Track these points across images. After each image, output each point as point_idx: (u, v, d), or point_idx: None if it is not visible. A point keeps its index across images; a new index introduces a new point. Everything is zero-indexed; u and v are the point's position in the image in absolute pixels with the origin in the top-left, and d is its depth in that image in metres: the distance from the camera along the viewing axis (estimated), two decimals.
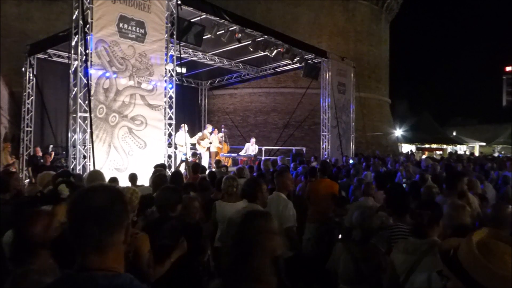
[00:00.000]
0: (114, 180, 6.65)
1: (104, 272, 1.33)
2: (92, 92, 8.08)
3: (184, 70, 15.89)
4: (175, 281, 3.15)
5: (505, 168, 10.61)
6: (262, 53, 14.38)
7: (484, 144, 42.32)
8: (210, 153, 14.40)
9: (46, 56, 13.58)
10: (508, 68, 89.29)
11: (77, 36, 8.37)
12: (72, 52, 8.59)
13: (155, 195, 3.81)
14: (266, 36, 13.29)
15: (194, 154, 12.85)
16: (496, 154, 34.36)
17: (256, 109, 23.31)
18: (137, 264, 2.76)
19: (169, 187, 3.98)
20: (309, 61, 16.11)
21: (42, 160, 11.57)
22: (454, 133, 43.53)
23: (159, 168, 6.97)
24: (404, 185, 6.83)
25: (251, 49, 13.78)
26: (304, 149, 18.17)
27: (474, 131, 48.32)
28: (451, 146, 38.01)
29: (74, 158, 8.38)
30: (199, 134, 14.65)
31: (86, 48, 8.14)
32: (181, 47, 10.61)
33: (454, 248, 1.39)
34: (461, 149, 40.13)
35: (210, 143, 14.45)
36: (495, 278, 1.23)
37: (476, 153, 36.50)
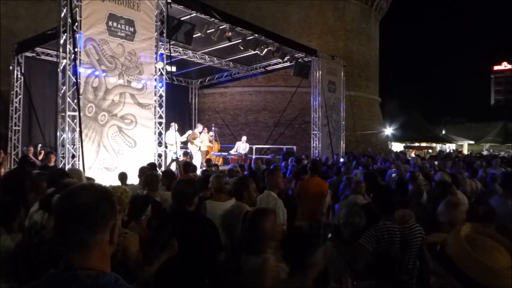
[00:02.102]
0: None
1: (88, 272, 1.31)
2: (81, 91, 8.01)
3: (174, 68, 15.78)
4: (165, 280, 3.12)
5: (492, 166, 10.70)
6: (253, 52, 14.35)
7: (472, 142, 42.78)
8: (201, 152, 14.36)
9: (34, 55, 13.41)
10: (496, 67, 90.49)
11: (65, 34, 8.28)
12: (61, 50, 8.50)
13: (172, 190, 3.70)
14: (256, 35, 13.28)
15: (186, 153, 12.80)
16: (485, 152, 34.74)
17: (247, 107, 23.29)
18: (125, 264, 2.74)
19: (184, 180, 3.91)
20: (299, 60, 16.13)
21: (32, 160, 11.36)
22: (443, 132, 43.89)
23: (147, 167, 6.90)
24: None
25: (242, 48, 13.77)
26: (294, 147, 18.21)
27: (463, 129, 48.85)
28: (440, 145, 38.37)
29: (63, 158, 8.30)
30: (189, 132, 14.59)
31: (74, 46, 8.06)
32: (171, 46, 10.57)
33: (440, 243, 1.39)
34: (450, 147, 40.51)
35: (201, 142, 14.42)
36: (489, 273, 1.23)
37: (465, 151, 36.92)
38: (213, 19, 11.47)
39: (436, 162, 11.22)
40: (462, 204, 3.50)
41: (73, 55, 8.07)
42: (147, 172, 5.96)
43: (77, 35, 8.06)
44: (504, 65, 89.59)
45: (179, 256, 3.06)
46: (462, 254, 1.28)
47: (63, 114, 8.28)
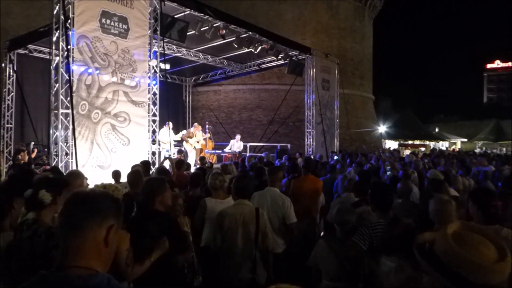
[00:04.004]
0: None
1: (80, 271, 1.32)
2: (74, 88, 7.96)
3: (168, 66, 15.76)
4: (158, 279, 3.11)
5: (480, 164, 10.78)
6: (247, 50, 14.35)
7: (465, 140, 43.02)
8: (195, 150, 14.35)
9: (27, 52, 13.33)
10: (489, 66, 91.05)
11: (58, 31, 8.22)
12: (53, 47, 8.44)
13: (142, 188, 3.66)
14: (250, 33, 13.26)
15: (180, 151, 12.78)
16: (477, 150, 34.96)
17: (241, 105, 23.29)
18: (115, 263, 2.72)
19: (153, 178, 3.87)
20: (293, 58, 16.15)
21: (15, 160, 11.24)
22: (437, 130, 44.14)
23: (136, 165, 6.87)
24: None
25: (235, 46, 13.75)
26: (288, 145, 18.23)
27: (456, 127, 49.16)
28: (433, 142, 38.56)
29: (56, 155, 8.25)
30: (184, 131, 14.53)
31: (67, 43, 8.01)
32: (165, 43, 10.53)
33: (429, 241, 1.41)
34: (443, 145, 40.72)
35: (198, 142, 14.39)
36: (473, 267, 1.25)
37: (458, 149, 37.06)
38: (207, 16, 11.44)
39: (426, 160, 11.26)
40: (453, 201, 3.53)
41: (65, 53, 8.02)
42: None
43: (69, 32, 8.01)
44: (497, 63, 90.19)
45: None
46: (449, 251, 1.30)
47: (56, 111, 8.23)
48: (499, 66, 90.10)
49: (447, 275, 1.28)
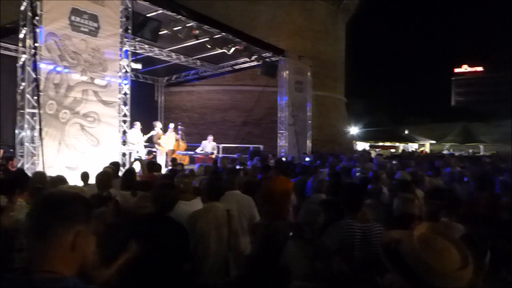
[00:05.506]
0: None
1: (46, 275, 1.29)
2: (41, 87, 7.76)
3: (140, 66, 15.55)
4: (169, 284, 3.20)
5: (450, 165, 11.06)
6: (220, 50, 14.31)
7: (434, 142, 44.14)
8: (166, 151, 14.18)
9: None
10: (457, 70, 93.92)
11: (25, 28, 8.00)
12: (20, 45, 8.22)
13: (151, 193, 3.68)
14: (224, 33, 13.24)
15: (149, 152, 12.64)
16: (445, 152, 35.88)
17: (214, 106, 23.18)
18: (81, 266, 2.67)
19: (165, 184, 3.87)
20: (267, 59, 16.20)
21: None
22: (406, 132, 45.12)
23: (106, 166, 6.77)
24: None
25: (209, 46, 13.70)
26: (261, 146, 18.26)
27: (425, 129, 50.40)
28: (403, 144, 39.42)
29: (22, 156, 8.02)
30: (153, 132, 14.29)
31: (35, 41, 7.80)
32: (137, 43, 10.40)
33: (396, 240, 1.43)
34: (413, 146, 41.66)
35: (167, 139, 14.21)
36: (435, 274, 1.27)
37: (427, 151, 38.01)
38: (180, 16, 11.35)
39: (394, 162, 11.48)
40: (417, 199, 3.64)
41: (33, 50, 7.81)
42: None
43: (37, 30, 7.80)
44: (465, 68, 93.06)
45: (151, 261, 3.06)
46: (413, 254, 1.32)
47: (22, 111, 8.00)
48: (466, 70, 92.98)
49: (408, 276, 1.30)
